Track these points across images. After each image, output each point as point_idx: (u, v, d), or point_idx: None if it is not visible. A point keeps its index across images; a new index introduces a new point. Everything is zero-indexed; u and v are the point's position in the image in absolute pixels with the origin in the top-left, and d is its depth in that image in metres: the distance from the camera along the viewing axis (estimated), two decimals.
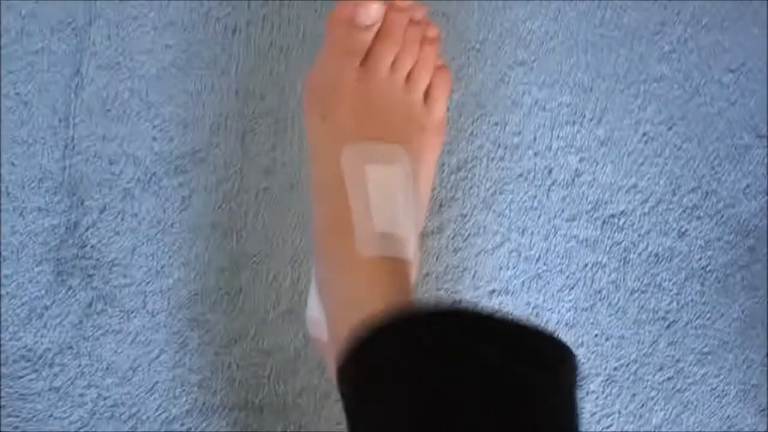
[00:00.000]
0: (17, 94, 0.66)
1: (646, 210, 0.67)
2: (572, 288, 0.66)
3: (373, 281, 0.45)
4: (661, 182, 0.67)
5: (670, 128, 0.67)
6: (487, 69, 0.66)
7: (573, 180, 0.66)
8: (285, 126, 0.65)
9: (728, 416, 0.66)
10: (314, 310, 0.53)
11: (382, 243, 0.46)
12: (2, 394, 0.63)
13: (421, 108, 0.52)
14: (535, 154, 0.66)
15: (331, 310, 0.48)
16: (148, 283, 0.65)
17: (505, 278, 0.66)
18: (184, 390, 0.63)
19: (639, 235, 0.66)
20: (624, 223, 0.66)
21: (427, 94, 0.53)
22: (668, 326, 0.66)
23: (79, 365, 0.63)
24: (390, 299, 0.43)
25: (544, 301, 0.66)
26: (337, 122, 0.50)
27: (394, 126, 0.50)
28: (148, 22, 0.66)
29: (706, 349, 0.66)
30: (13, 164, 0.65)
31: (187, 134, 0.65)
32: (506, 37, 0.66)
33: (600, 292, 0.66)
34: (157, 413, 0.63)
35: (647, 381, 0.66)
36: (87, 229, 0.65)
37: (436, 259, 0.65)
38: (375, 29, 0.50)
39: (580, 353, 0.65)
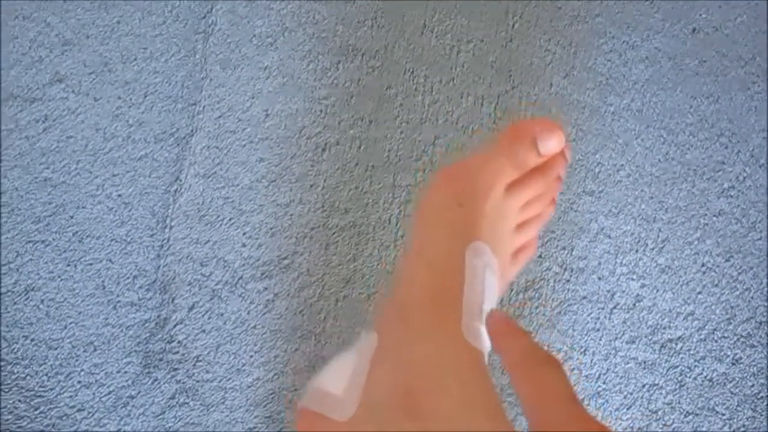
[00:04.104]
0: (119, 195, 0.71)
1: (702, 336, 0.70)
2: (629, 407, 0.69)
3: (472, 364, 0.48)
4: (718, 311, 0.71)
5: (727, 260, 0.71)
6: (557, 197, 0.71)
7: (634, 305, 0.70)
8: (366, 239, 0.70)
9: None
10: (331, 383, 0.51)
11: (481, 338, 0.49)
12: None
13: (512, 237, 0.56)
14: (599, 279, 0.70)
15: (406, 377, 0.48)
16: (229, 379, 0.69)
17: None
18: None
19: (695, 360, 0.70)
20: (681, 347, 0.70)
21: (516, 252, 0.57)
22: None
23: None
24: (486, 385, 0.46)
25: (601, 418, 0.69)
26: (472, 214, 0.52)
27: (499, 242, 0.54)
28: (245, 136, 0.71)
29: None
30: (110, 261, 0.70)
31: (275, 242, 0.70)
32: (576, 168, 0.71)
33: (656, 412, 0.69)
34: None
35: None
36: (175, 326, 0.69)
37: (502, 372, 0.69)
38: (543, 160, 0.54)
39: None
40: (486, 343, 0.49)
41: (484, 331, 0.49)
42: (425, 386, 0.46)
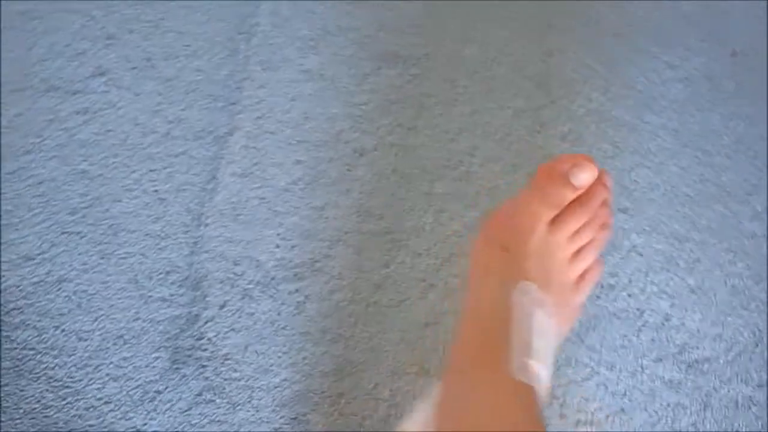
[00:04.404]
0: (155, 191, 0.71)
1: (729, 358, 0.70)
2: (653, 426, 0.69)
3: (520, 402, 0.49)
4: (746, 333, 0.71)
5: (757, 283, 0.71)
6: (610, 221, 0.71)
7: (663, 323, 0.70)
8: (399, 246, 0.70)
9: None
10: (414, 425, 0.56)
11: (532, 374, 0.50)
12: None
13: (568, 267, 0.56)
14: (629, 296, 0.70)
15: (459, 424, 0.50)
16: (256, 379, 0.69)
17: (591, 410, 0.69)
18: None
19: (721, 382, 0.70)
20: (707, 368, 0.70)
21: (579, 278, 0.57)
22: None
23: None
24: (534, 420, 0.48)
25: None
26: (517, 257, 0.54)
27: (552, 277, 0.55)
28: (283, 138, 0.72)
29: None
30: (144, 255, 0.70)
31: (308, 245, 0.70)
32: (611, 184, 0.71)
33: None
34: None
35: None
36: (206, 323, 0.70)
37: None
38: (579, 192, 0.54)
39: None
40: (538, 378, 0.50)
41: (534, 365, 0.50)
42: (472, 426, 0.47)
